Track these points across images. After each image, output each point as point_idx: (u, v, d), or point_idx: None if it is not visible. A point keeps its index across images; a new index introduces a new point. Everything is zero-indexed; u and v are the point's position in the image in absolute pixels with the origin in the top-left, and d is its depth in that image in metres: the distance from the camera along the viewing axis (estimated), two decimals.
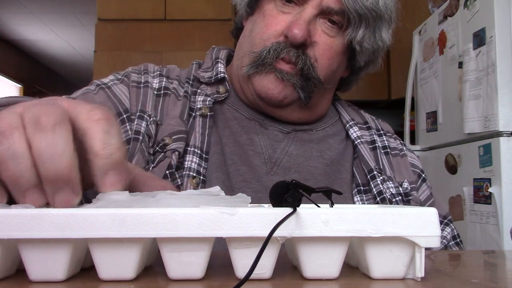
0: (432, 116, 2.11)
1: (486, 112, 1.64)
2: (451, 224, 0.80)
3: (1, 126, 0.34)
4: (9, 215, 0.31)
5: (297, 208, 0.32)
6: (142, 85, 0.73)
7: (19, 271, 0.36)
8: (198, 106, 0.72)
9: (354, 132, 0.79)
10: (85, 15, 4.80)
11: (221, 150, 0.70)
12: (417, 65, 2.28)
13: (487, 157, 1.64)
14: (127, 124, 0.68)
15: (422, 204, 0.77)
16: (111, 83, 0.73)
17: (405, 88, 2.31)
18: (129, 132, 0.68)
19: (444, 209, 0.82)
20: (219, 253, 0.41)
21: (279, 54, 0.68)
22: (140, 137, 0.67)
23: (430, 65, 2.13)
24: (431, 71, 2.12)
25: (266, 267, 0.33)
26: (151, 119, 0.69)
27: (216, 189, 0.38)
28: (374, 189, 0.72)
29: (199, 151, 0.68)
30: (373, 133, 0.80)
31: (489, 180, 1.62)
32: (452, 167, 1.90)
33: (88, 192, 0.41)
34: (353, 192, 0.73)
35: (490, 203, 1.61)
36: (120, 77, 0.75)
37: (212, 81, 0.75)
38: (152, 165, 0.65)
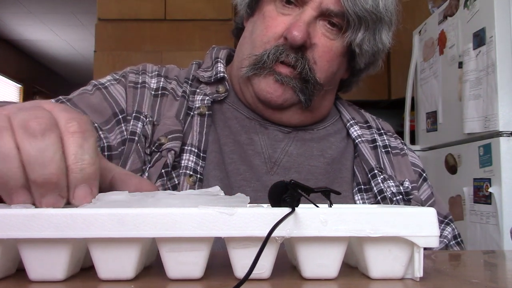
0: (432, 116, 2.11)
1: (486, 112, 1.64)
2: (451, 224, 0.80)
3: None
4: (9, 215, 0.31)
5: (296, 208, 0.32)
6: (139, 86, 0.73)
7: (19, 271, 0.36)
8: (197, 105, 0.72)
9: (355, 131, 0.79)
10: (85, 15, 4.80)
11: (219, 148, 0.70)
12: (417, 65, 2.28)
13: (487, 157, 1.64)
14: (122, 124, 0.69)
15: (423, 203, 0.77)
16: (108, 83, 0.73)
17: (405, 88, 2.31)
18: (125, 133, 0.68)
19: (444, 209, 0.82)
20: (219, 253, 0.41)
21: (278, 57, 0.68)
22: (136, 138, 0.67)
23: (430, 65, 2.13)
24: (431, 71, 2.12)
25: (265, 267, 0.33)
26: (147, 119, 0.69)
27: (216, 189, 0.38)
28: (374, 188, 0.72)
29: (196, 150, 0.68)
30: (374, 132, 0.80)
31: (489, 180, 1.62)
32: (452, 167, 1.90)
33: None
34: (354, 191, 0.73)
35: (490, 203, 1.61)
36: (117, 77, 0.75)
37: (212, 80, 0.75)
38: (149, 165, 0.65)
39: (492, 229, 1.60)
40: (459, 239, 0.79)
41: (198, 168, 0.67)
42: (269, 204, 0.35)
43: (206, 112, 0.71)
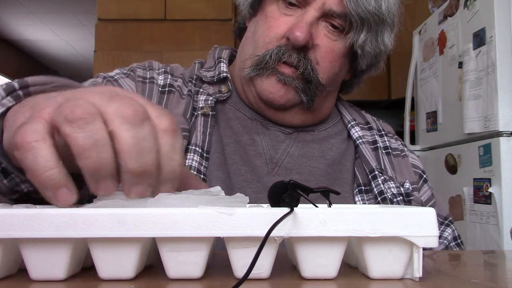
0: (432, 116, 2.11)
1: (486, 112, 1.64)
2: (452, 225, 0.80)
3: (78, 112, 0.33)
4: (10, 215, 0.31)
5: (295, 208, 0.32)
6: (147, 81, 0.73)
7: (21, 270, 0.36)
8: (200, 105, 0.72)
9: (356, 132, 0.79)
10: (85, 15, 4.80)
11: (222, 149, 0.70)
12: (417, 65, 2.28)
13: (487, 157, 1.64)
14: None
15: (423, 204, 0.77)
16: (118, 76, 0.73)
17: (405, 88, 2.31)
18: None
19: (445, 210, 0.82)
20: (218, 253, 0.42)
21: (280, 58, 0.68)
22: None
23: (430, 65, 2.13)
24: (431, 71, 2.12)
25: (264, 267, 0.33)
26: None
27: (217, 189, 0.38)
28: (375, 189, 0.72)
29: (200, 150, 0.68)
30: (375, 133, 0.80)
31: (489, 180, 1.62)
32: (452, 167, 1.90)
33: None
34: (354, 192, 0.74)
35: (490, 203, 1.61)
36: (126, 71, 0.75)
37: (215, 80, 0.75)
38: None
39: (492, 229, 1.60)
40: (459, 241, 0.79)
41: (202, 168, 0.67)
42: (269, 205, 0.35)
43: (210, 113, 0.71)
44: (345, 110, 0.83)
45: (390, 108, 3.40)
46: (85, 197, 0.43)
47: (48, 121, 0.34)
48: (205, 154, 0.68)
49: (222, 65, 0.77)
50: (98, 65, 2.93)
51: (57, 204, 0.33)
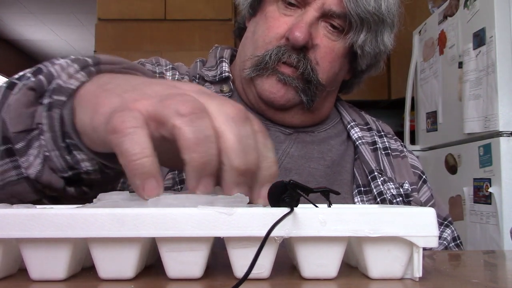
0: (432, 116, 2.11)
1: (486, 112, 1.64)
2: (451, 226, 0.80)
3: (190, 107, 0.33)
4: (10, 214, 0.31)
5: (295, 208, 0.32)
6: (157, 76, 0.73)
7: (21, 270, 0.36)
8: None
9: (355, 133, 0.79)
10: (85, 15, 4.80)
11: None
12: (417, 65, 2.28)
13: (487, 157, 1.64)
14: None
15: (422, 205, 0.77)
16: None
17: (405, 88, 2.31)
18: None
19: (444, 210, 0.82)
20: (219, 253, 0.42)
21: (280, 58, 0.68)
22: None
23: (430, 65, 2.13)
24: (431, 71, 2.12)
25: (264, 267, 0.33)
26: None
27: (216, 189, 0.38)
28: (374, 190, 0.72)
29: None
30: (374, 134, 0.80)
31: (489, 180, 1.62)
32: (452, 167, 1.90)
33: None
34: (354, 192, 0.74)
35: (490, 203, 1.61)
36: None
37: (217, 80, 0.75)
38: None
39: (492, 229, 1.60)
40: (458, 241, 0.79)
41: None
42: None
43: None
44: (345, 111, 0.83)
45: (390, 108, 3.40)
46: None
47: (144, 114, 0.33)
48: None
49: (223, 64, 0.77)
50: None
51: (143, 194, 0.33)
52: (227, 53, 0.81)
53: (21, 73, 0.47)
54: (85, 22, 4.99)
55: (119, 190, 0.46)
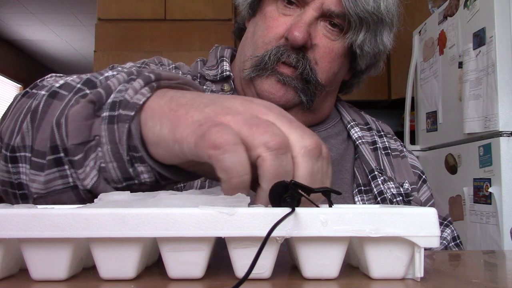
0: (432, 116, 2.12)
1: (486, 112, 1.64)
2: (451, 226, 0.80)
3: (277, 142, 0.35)
4: (11, 215, 0.31)
5: (296, 208, 0.32)
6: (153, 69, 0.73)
7: (22, 270, 0.36)
8: None
9: (356, 132, 0.79)
10: (85, 15, 4.80)
11: None
12: (417, 65, 2.28)
13: (487, 157, 1.64)
14: None
15: (422, 205, 0.77)
16: (134, 68, 0.73)
17: (405, 88, 2.31)
18: None
19: (444, 210, 0.82)
20: (220, 253, 0.42)
21: (279, 58, 0.68)
22: None
23: (430, 65, 2.13)
24: (431, 71, 2.12)
25: (265, 267, 0.33)
26: None
27: (218, 189, 0.38)
28: (374, 189, 0.72)
29: None
30: (374, 134, 0.80)
31: (489, 180, 1.62)
32: (452, 167, 1.91)
33: None
34: (354, 192, 0.74)
35: (490, 203, 1.61)
36: (139, 65, 0.75)
37: (218, 79, 0.76)
38: None
39: (492, 229, 1.60)
40: (458, 241, 0.79)
41: None
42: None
43: None
44: (345, 111, 0.83)
45: (390, 108, 3.40)
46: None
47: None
48: None
49: (224, 63, 0.78)
50: (98, 65, 2.93)
51: None
52: (227, 52, 0.81)
53: (61, 82, 0.48)
54: (85, 22, 4.99)
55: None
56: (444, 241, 0.78)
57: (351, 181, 0.75)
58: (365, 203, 0.72)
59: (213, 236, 0.32)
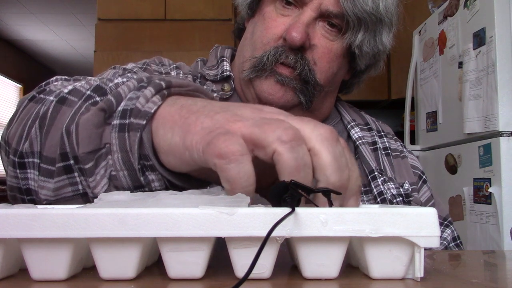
0: (432, 116, 2.12)
1: (486, 112, 1.64)
2: (451, 226, 0.80)
3: (291, 135, 0.35)
4: (11, 214, 0.31)
5: (296, 208, 0.32)
6: (164, 76, 0.73)
7: (22, 271, 0.36)
8: None
9: (356, 133, 0.79)
10: (85, 15, 4.80)
11: None
12: (417, 65, 2.28)
13: (487, 157, 1.64)
14: None
15: (422, 205, 0.77)
16: (136, 69, 0.73)
17: (405, 88, 2.31)
18: None
19: (444, 210, 0.82)
20: (220, 253, 0.42)
21: (278, 59, 0.68)
22: None
23: (430, 65, 2.13)
24: (431, 71, 2.12)
25: (265, 267, 0.33)
26: None
27: (218, 189, 0.38)
28: (374, 190, 0.72)
29: None
30: (374, 134, 0.80)
31: (489, 180, 1.62)
32: (452, 167, 1.91)
33: None
34: None
35: (490, 203, 1.61)
36: (141, 66, 0.75)
37: (218, 78, 0.76)
38: None
39: (492, 229, 1.60)
40: (458, 241, 0.79)
41: None
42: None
43: None
44: (345, 111, 0.83)
45: (390, 108, 3.40)
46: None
47: (243, 137, 0.35)
48: None
49: (225, 63, 0.78)
50: (98, 65, 2.93)
51: None
52: (227, 52, 0.81)
53: (69, 87, 0.47)
54: (85, 22, 4.99)
55: None
56: (444, 242, 0.78)
57: None
58: (365, 204, 0.72)
59: (213, 236, 0.32)
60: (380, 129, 0.83)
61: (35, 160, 0.45)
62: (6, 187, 0.50)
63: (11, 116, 0.52)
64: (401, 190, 0.74)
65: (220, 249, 0.38)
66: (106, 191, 0.42)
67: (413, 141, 2.35)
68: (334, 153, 0.36)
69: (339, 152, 0.36)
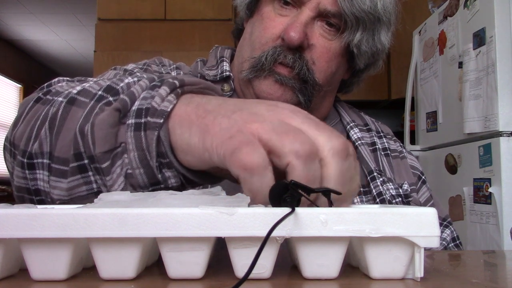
0: (432, 116, 2.12)
1: (486, 112, 1.64)
2: (450, 226, 0.80)
3: (307, 150, 0.35)
4: (11, 214, 0.31)
5: (296, 208, 0.32)
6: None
7: (22, 271, 0.36)
8: None
9: (355, 133, 0.79)
10: (85, 15, 4.80)
11: None
12: (417, 65, 2.28)
13: (487, 157, 1.64)
14: None
15: (422, 206, 0.77)
16: (136, 70, 0.73)
17: (405, 88, 2.31)
18: None
19: (443, 211, 0.82)
20: (220, 253, 0.42)
21: (276, 59, 0.68)
22: None
23: (430, 65, 2.13)
24: (431, 71, 2.12)
25: (265, 267, 0.33)
26: None
27: (218, 189, 0.38)
28: (374, 190, 0.72)
29: None
30: (374, 135, 0.80)
31: (489, 180, 1.62)
32: (452, 167, 1.91)
33: None
34: None
35: (490, 203, 1.61)
36: (141, 66, 0.75)
37: (218, 79, 0.76)
38: None
39: (492, 229, 1.60)
40: (458, 241, 0.79)
41: None
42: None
43: None
44: (344, 112, 0.83)
45: (390, 108, 3.40)
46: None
47: (261, 142, 0.36)
48: None
49: (224, 64, 0.78)
50: (98, 65, 2.93)
51: None
52: (227, 53, 0.81)
53: (78, 88, 0.48)
54: (85, 22, 4.99)
55: None
56: (444, 242, 0.78)
57: None
58: (364, 204, 0.72)
59: (213, 236, 0.32)
60: (380, 129, 0.83)
61: (45, 160, 0.45)
62: (12, 187, 0.50)
63: (15, 117, 0.52)
64: (400, 190, 0.74)
65: (220, 249, 0.38)
66: (122, 189, 0.43)
67: (413, 141, 2.35)
68: (342, 168, 0.37)
69: (347, 166, 0.38)
